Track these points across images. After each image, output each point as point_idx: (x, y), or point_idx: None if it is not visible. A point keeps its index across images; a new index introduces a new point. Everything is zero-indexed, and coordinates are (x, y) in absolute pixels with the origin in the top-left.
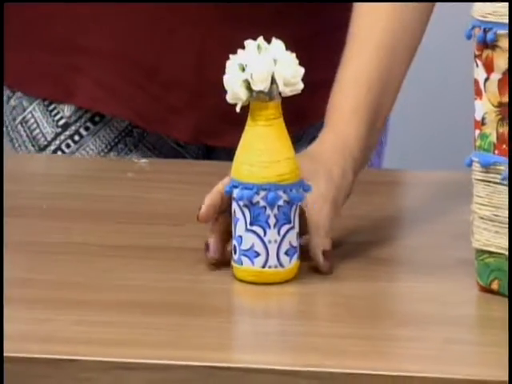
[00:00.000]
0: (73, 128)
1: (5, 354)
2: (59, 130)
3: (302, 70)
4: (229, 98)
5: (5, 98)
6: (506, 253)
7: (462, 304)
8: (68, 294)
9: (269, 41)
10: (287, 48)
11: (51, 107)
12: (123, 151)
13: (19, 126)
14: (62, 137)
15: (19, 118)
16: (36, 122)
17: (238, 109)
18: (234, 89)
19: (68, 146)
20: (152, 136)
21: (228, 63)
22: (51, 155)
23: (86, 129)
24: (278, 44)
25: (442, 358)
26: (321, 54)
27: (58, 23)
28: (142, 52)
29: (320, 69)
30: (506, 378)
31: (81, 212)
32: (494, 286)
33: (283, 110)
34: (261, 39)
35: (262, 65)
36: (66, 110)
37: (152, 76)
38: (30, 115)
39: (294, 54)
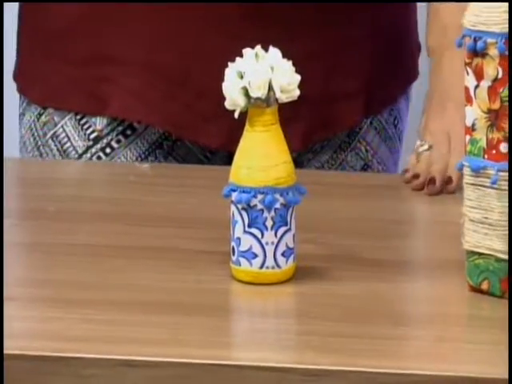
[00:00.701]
0: (104, 141)
1: (12, 352)
2: (91, 143)
3: (298, 78)
4: (227, 105)
5: (35, 115)
6: (496, 254)
7: (453, 303)
8: (74, 294)
9: (294, 51)
10: (312, 58)
11: (83, 121)
12: (153, 163)
13: (50, 141)
14: (94, 150)
15: (50, 133)
16: (67, 135)
17: (236, 115)
18: (233, 95)
19: (99, 158)
20: (182, 148)
21: (226, 71)
22: (56, 160)
23: (118, 141)
24: (274, 52)
25: (435, 356)
26: (350, 64)
27: (85, 35)
28: (171, 60)
29: (348, 79)
30: (497, 375)
31: (86, 214)
32: (484, 286)
33: (305, 118)
34: (259, 48)
35: (260, 72)
36: (98, 124)
37: (182, 84)
38: (61, 129)
39: (290, 62)
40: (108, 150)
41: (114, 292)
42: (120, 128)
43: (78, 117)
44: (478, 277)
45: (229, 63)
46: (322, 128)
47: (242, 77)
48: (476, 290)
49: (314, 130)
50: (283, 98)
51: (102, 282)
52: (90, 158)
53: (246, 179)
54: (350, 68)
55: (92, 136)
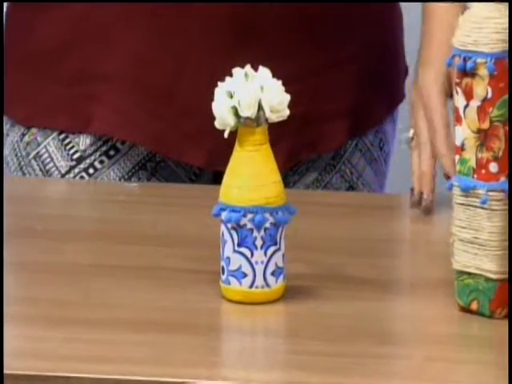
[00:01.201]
0: (87, 161)
1: None
2: (74, 163)
3: (287, 97)
4: (217, 124)
5: (18, 135)
6: (485, 274)
7: (442, 323)
8: (60, 313)
9: (279, 71)
10: (297, 78)
11: (66, 141)
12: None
13: (32, 161)
14: (77, 170)
15: (33, 153)
16: (50, 156)
17: (226, 135)
18: (223, 115)
19: (82, 178)
20: (165, 169)
21: (216, 90)
22: (42, 179)
23: (101, 162)
24: (264, 72)
25: (423, 376)
26: (335, 85)
27: (70, 54)
28: (155, 78)
29: (332, 100)
30: None
31: (73, 233)
32: (474, 306)
33: (290, 139)
34: (248, 67)
35: (249, 92)
36: (81, 144)
37: (167, 102)
38: (44, 150)
39: (279, 82)
40: (91, 171)
41: (100, 311)
42: (103, 148)
43: (62, 137)
44: (468, 297)
45: (218, 83)
46: (306, 149)
47: (231, 96)
48: (465, 309)
49: (298, 151)
50: (273, 117)
51: (89, 301)
52: (73, 179)
53: (236, 198)
54: (334, 89)
55: (75, 156)
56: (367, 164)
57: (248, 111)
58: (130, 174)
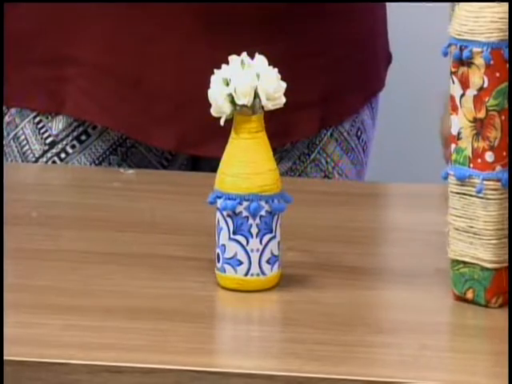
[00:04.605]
0: (59, 146)
1: None
2: (46, 147)
3: (284, 85)
4: (213, 112)
5: None
6: (480, 263)
7: (437, 312)
8: (57, 300)
9: (250, 56)
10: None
11: (40, 125)
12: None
13: (11, 142)
14: (49, 154)
15: (12, 135)
16: (26, 138)
17: (222, 122)
18: (218, 102)
19: (54, 162)
20: (136, 155)
21: (212, 77)
22: (40, 165)
23: (73, 147)
24: (261, 59)
25: (418, 364)
26: (306, 75)
27: (46, 36)
28: (124, 63)
29: (303, 90)
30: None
31: (69, 220)
32: (469, 295)
33: (266, 125)
34: (244, 54)
35: (246, 80)
36: (54, 128)
37: (135, 86)
38: (21, 131)
39: (276, 69)
40: (63, 155)
41: (96, 298)
42: (75, 133)
43: (36, 120)
44: (463, 286)
45: (215, 70)
46: (277, 137)
47: (227, 84)
48: (461, 298)
49: (270, 140)
50: (269, 105)
51: (85, 288)
52: (46, 163)
53: (232, 186)
54: (306, 78)
55: (48, 140)
56: (344, 153)
57: (244, 99)
58: (101, 159)
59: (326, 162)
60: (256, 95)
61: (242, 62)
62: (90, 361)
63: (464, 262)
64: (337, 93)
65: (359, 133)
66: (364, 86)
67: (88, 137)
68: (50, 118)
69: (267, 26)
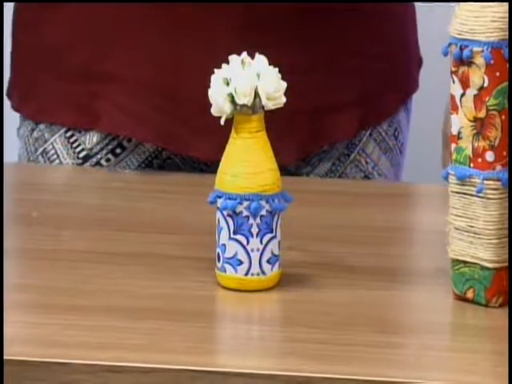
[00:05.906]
0: (94, 160)
1: None
2: (80, 161)
3: (284, 85)
4: (213, 111)
5: (28, 130)
6: (481, 263)
7: (438, 312)
8: (57, 299)
9: (286, 63)
10: (307, 70)
11: (73, 139)
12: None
13: (40, 157)
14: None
15: (40, 150)
16: (56, 153)
17: (222, 122)
18: (219, 102)
19: None
20: (172, 167)
21: (213, 77)
22: (41, 165)
23: (107, 160)
24: (261, 59)
25: (419, 364)
26: (343, 75)
27: (77, 51)
28: (160, 75)
29: (341, 90)
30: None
31: (70, 220)
32: (469, 294)
33: (301, 130)
34: (244, 54)
35: (246, 79)
36: (88, 142)
37: (172, 98)
38: (50, 146)
39: (276, 69)
40: (97, 169)
41: (97, 298)
42: (110, 146)
43: (68, 134)
44: (463, 285)
45: (215, 70)
46: (316, 140)
47: (228, 83)
48: (461, 298)
49: (308, 142)
50: (269, 105)
51: (86, 287)
52: None
53: (232, 186)
54: (344, 79)
55: (81, 155)
56: (382, 153)
57: (244, 98)
58: (137, 171)
59: (366, 163)
60: (256, 95)
61: (243, 62)
62: (89, 360)
63: (464, 262)
64: (374, 93)
65: (396, 133)
66: (400, 86)
67: (123, 150)
68: (83, 132)
69: (306, 28)
